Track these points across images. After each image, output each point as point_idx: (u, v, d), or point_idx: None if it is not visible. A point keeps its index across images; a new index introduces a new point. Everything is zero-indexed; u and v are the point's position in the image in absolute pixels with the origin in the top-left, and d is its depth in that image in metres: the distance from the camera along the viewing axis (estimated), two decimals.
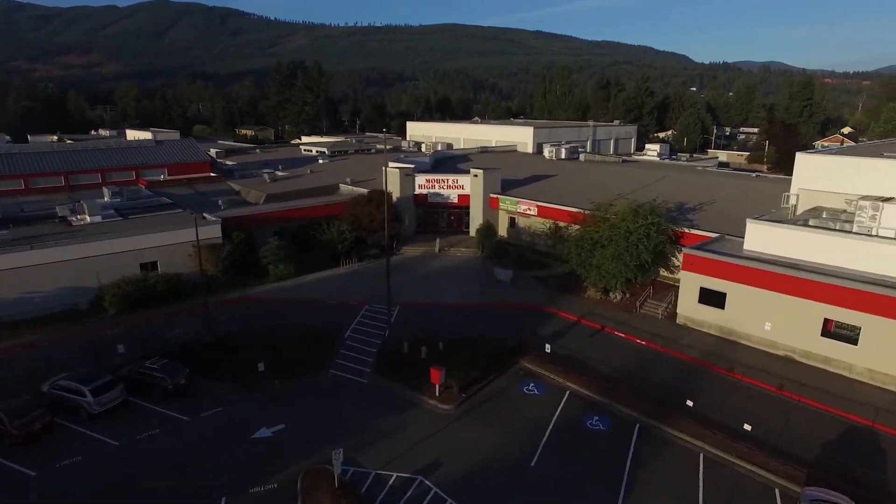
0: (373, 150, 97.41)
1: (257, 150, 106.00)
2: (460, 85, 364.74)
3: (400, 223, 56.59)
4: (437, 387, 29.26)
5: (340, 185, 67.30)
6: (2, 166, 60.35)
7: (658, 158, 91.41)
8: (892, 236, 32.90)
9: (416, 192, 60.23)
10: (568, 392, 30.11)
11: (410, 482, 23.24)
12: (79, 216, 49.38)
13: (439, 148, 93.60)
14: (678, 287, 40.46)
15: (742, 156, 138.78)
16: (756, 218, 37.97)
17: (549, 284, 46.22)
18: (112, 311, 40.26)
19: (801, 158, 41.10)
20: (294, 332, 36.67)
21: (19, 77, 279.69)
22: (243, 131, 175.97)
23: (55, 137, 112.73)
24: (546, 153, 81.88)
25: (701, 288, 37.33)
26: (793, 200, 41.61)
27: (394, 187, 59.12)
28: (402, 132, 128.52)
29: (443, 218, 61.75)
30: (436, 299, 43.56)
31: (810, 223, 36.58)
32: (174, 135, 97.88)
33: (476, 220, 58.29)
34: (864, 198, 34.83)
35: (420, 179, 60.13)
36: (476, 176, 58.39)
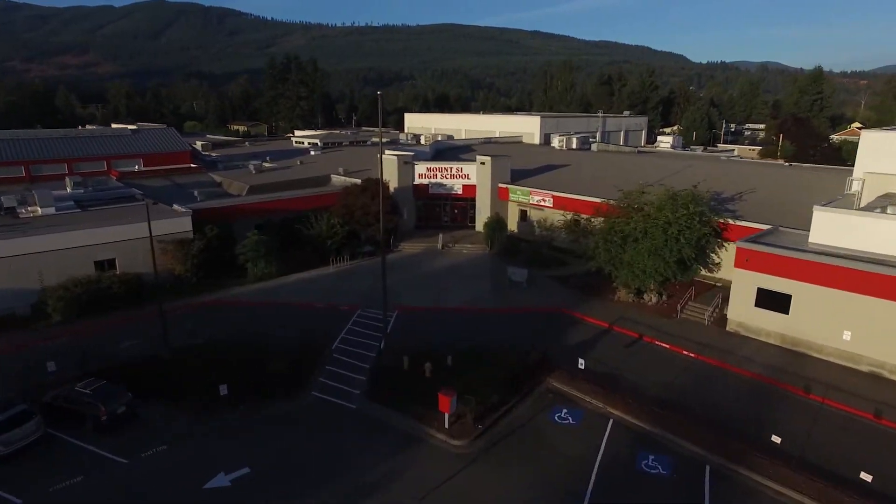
0: (368, 143, 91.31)
1: (246, 143, 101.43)
2: (458, 84, 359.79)
3: (398, 216, 50.34)
4: (447, 416, 23.00)
5: (332, 175, 61.09)
6: None
7: (672, 150, 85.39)
8: None
9: (415, 183, 54.01)
10: (611, 421, 23.90)
11: None
12: (29, 207, 43.03)
13: (439, 139, 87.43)
14: (721, 288, 34.39)
15: (753, 150, 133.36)
16: (825, 205, 31.82)
17: (570, 285, 40.02)
18: (57, 318, 33.92)
19: (867, 137, 35.09)
20: (271, 343, 30.44)
21: (15, 78, 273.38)
22: (235, 127, 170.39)
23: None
24: (556, 143, 75.71)
25: (759, 289, 31.16)
26: (856, 186, 35.59)
27: (391, 177, 52.92)
28: (400, 126, 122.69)
29: (446, 211, 55.54)
30: (440, 303, 37.35)
31: (888, 211, 30.46)
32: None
33: (483, 212, 52.09)
34: None
35: (420, 168, 53.90)
36: (483, 164, 52.20)
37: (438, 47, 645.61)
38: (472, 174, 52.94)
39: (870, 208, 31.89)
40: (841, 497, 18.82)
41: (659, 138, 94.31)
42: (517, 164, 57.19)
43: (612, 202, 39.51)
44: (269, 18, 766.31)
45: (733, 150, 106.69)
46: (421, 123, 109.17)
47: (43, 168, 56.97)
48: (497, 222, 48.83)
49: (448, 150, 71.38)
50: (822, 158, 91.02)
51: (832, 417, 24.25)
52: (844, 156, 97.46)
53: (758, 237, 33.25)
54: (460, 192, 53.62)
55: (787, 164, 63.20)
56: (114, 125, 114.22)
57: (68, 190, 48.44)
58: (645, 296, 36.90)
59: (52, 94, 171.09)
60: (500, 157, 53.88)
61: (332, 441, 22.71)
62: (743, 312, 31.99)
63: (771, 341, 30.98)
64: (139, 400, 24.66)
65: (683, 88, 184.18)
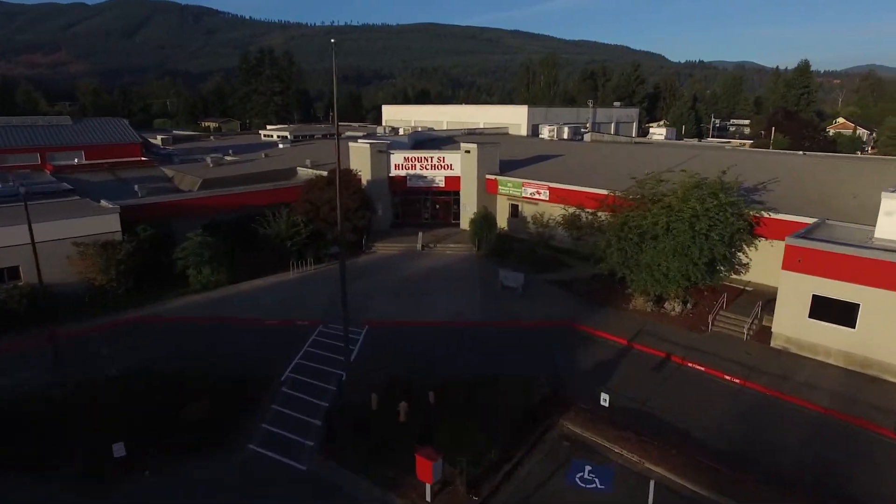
0: (343, 136, 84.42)
1: (211, 137, 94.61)
2: (439, 82, 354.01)
3: (371, 212, 43.60)
4: (429, 487, 16.48)
5: (298, 168, 54.25)
6: None
7: (669, 141, 79.89)
8: None
9: (391, 175, 47.37)
10: (652, 483, 17.54)
11: None
12: None
13: (419, 130, 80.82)
14: (753, 293, 28.47)
15: (745, 144, 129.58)
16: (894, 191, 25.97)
17: (575, 291, 33.76)
18: None
19: None
20: (205, 373, 23.62)
21: None
22: (207, 124, 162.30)
23: None
24: (546, 133, 69.57)
25: (814, 296, 25.20)
26: None
27: (362, 168, 46.22)
28: (378, 122, 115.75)
29: (426, 206, 48.98)
30: (420, 316, 30.81)
31: None
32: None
33: (469, 208, 45.62)
34: None
35: (397, 158, 47.26)
36: (468, 152, 45.72)
37: (418, 46, 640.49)
38: (456, 164, 46.47)
39: None
40: None
41: (651, 130, 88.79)
42: (505, 156, 50.85)
43: (618, 193, 33.40)
44: (248, 17, 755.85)
45: (728, 142, 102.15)
46: (399, 116, 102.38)
47: None
48: (485, 219, 42.45)
49: (429, 142, 64.67)
50: (819, 150, 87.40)
51: None
52: (839, 148, 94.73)
53: (807, 232, 27.28)
54: (443, 184, 47.10)
55: (801, 152, 57.78)
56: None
57: None
58: (667, 304, 30.78)
59: (12, 89, 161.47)
60: (487, 145, 47.51)
61: None
62: (793, 325, 26.00)
63: (831, 361, 25.02)
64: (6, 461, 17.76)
65: (670, 82, 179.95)
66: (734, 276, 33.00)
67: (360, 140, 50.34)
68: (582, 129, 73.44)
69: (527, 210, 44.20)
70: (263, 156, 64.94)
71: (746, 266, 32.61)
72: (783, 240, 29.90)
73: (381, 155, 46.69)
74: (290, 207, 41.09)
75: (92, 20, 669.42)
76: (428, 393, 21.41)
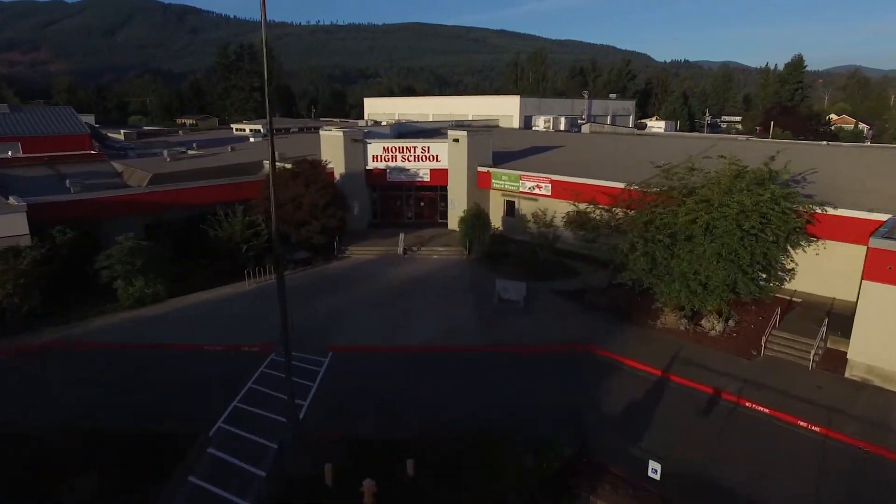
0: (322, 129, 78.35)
1: (180, 132, 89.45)
2: (425, 80, 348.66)
3: (344, 211, 37.35)
4: None
5: (265, 161, 47.82)
6: None
7: (670, 134, 74.57)
8: None
9: (369, 168, 41.22)
10: None
11: None
12: None
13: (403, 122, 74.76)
14: (803, 305, 22.82)
15: (748, 138, 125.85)
16: None
17: (589, 305, 27.83)
18: None
19: None
20: (104, 428, 17.37)
21: None
22: (183, 121, 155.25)
23: None
24: (541, 124, 63.93)
25: None
26: None
27: (335, 160, 40.04)
28: (362, 118, 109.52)
29: (409, 203, 42.90)
30: (399, 339, 24.72)
31: None
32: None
33: (458, 205, 39.58)
34: None
35: (375, 148, 41.10)
36: (457, 140, 39.69)
37: (404, 46, 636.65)
38: (443, 155, 40.43)
39: None
40: None
41: (649, 124, 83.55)
42: (498, 147, 44.98)
43: (634, 187, 27.57)
44: (232, 17, 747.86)
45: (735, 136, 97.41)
46: (383, 109, 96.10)
47: None
48: (477, 217, 36.41)
49: (413, 134, 58.70)
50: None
51: None
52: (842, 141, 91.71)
53: (890, 232, 21.57)
54: (428, 178, 41.03)
55: (825, 142, 52.46)
56: None
57: None
58: (704, 321, 24.95)
59: None
60: (478, 133, 41.59)
61: None
62: (878, 351, 20.25)
63: None
64: None
65: (662, 78, 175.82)
66: (776, 285, 27.27)
67: (332, 129, 44.12)
68: (578, 121, 67.74)
69: (525, 207, 38.24)
70: (230, 149, 58.59)
71: (791, 272, 26.91)
72: (845, 241, 24.48)
73: (356, 145, 40.51)
74: (246, 206, 34.80)
75: (72, 19, 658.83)
76: (405, 459, 15.31)
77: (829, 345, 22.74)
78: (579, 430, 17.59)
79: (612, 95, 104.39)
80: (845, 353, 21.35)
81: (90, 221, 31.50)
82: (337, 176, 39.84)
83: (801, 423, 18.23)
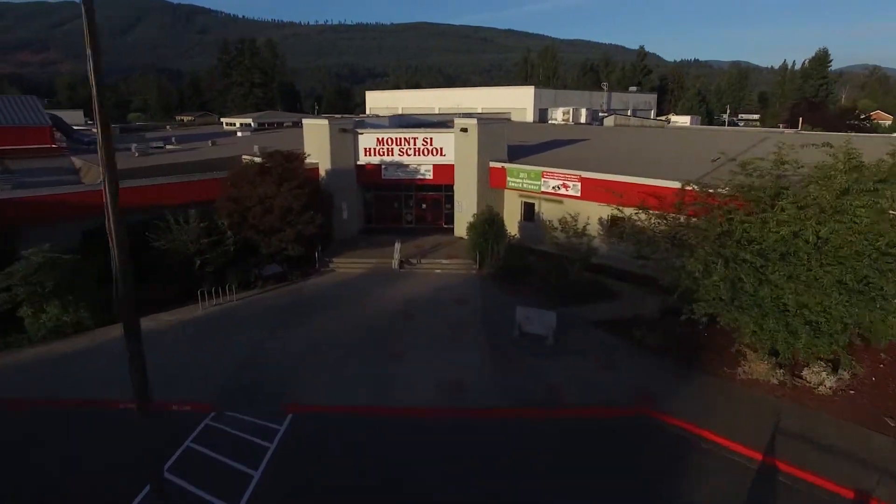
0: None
1: (167, 127, 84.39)
2: (433, 79, 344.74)
3: (325, 214, 30.65)
4: None
5: (244, 157, 41.41)
6: None
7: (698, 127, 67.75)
8: None
9: (360, 163, 34.65)
10: None
11: None
12: None
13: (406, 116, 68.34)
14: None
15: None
16: None
17: (640, 342, 21.06)
18: None
19: None
20: None
21: None
22: (182, 117, 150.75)
23: None
24: (559, 116, 57.22)
25: None
26: None
27: (320, 153, 33.53)
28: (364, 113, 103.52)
29: (408, 206, 36.31)
30: (385, 394, 18.02)
31: None
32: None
33: (467, 207, 32.94)
34: None
35: (368, 140, 34.52)
36: (465, 130, 33.03)
37: (412, 45, 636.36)
38: (449, 148, 33.82)
39: None
40: None
41: (674, 118, 76.78)
42: (512, 140, 38.38)
43: (695, 188, 20.74)
44: (240, 16, 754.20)
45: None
46: (385, 103, 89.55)
47: None
48: (489, 223, 29.71)
49: (415, 126, 52.07)
50: None
51: None
52: None
53: None
54: (430, 176, 34.41)
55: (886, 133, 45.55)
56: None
57: None
58: (807, 372, 18.14)
59: None
60: (490, 123, 34.97)
61: None
62: None
63: None
64: None
65: (678, 75, 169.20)
66: None
67: (315, 119, 37.64)
68: (600, 113, 60.97)
69: (548, 211, 31.52)
70: (210, 144, 52.62)
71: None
72: None
73: (345, 136, 33.92)
74: (206, 209, 28.28)
75: (81, 19, 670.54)
76: None
77: None
78: None
79: (633, 88, 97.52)
80: None
81: (8, 228, 25.15)
82: (322, 173, 33.35)
83: None
